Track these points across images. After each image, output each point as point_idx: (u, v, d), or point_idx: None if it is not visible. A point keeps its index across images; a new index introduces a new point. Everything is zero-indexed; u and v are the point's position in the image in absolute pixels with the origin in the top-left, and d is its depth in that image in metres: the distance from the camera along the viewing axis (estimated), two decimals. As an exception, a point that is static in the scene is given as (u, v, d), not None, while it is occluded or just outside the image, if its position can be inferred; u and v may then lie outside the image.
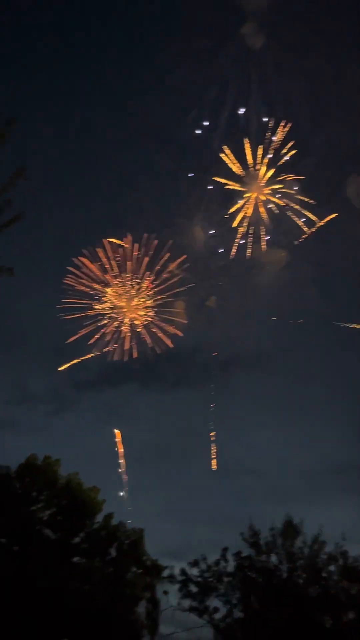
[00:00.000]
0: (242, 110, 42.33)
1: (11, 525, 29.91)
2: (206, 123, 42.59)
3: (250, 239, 44.04)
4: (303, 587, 30.81)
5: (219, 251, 46.57)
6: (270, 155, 41.44)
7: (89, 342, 49.15)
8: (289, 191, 41.22)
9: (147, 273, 47.80)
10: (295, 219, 42.02)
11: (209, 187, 43.57)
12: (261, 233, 43.51)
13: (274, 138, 41.23)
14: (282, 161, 41.65)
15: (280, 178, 41.81)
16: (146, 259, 47.44)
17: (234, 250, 43.43)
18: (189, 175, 45.53)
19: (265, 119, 41.82)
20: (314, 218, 41.42)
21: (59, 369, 43.85)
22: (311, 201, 40.98)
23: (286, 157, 41.49)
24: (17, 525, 29.84)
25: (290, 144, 42.02)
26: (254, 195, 41.64)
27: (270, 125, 41.82)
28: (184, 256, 45.94)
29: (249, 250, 43.75)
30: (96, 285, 47.96)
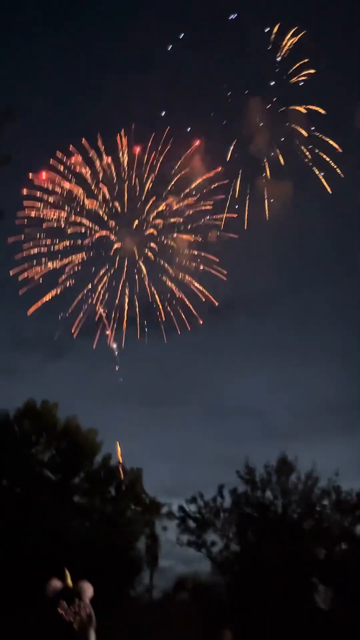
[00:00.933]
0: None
1: (12, 468, 30.65)
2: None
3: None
4: (297, 521, 31.80)
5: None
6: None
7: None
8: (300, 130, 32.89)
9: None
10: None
11: None
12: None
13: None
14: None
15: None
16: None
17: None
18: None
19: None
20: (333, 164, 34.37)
21: (28, 312, 34.46)
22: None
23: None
24: (18, 468, 30.58)
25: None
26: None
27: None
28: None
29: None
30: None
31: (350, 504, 31.74)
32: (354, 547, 30.78)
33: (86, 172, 33.51)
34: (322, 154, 32.59)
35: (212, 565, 32.56)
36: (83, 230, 33.78)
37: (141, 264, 34.48)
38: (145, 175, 33.68)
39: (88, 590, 3.21)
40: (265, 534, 31.07)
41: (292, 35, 32.67)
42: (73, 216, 33.46)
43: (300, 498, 32.06)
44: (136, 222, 34.46)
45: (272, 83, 32.65)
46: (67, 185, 33.50)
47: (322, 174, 32.79)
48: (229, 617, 27.48)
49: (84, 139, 33.48)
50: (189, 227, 34.22)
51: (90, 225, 33.72)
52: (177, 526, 32.97)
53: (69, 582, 3.29)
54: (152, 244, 34.41)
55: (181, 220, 34.10)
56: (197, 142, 33.51)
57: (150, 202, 33.64)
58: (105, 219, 33.92)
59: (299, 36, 32.69)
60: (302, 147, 32.81)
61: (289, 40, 32.65)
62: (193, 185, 33.69)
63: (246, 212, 33.54)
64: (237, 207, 33.47)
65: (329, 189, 33.07)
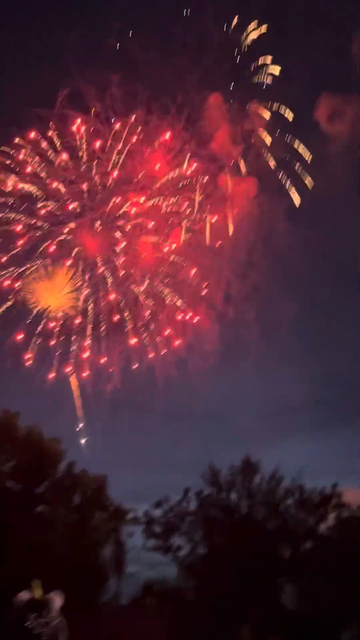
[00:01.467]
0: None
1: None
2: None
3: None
4: (262, 521, 32.07)
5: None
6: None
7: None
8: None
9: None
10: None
11: None
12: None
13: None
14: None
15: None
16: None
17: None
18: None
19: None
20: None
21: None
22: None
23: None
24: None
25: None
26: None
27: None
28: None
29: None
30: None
31: (314, 502, 32.14)
32: (319, 545, 31.15)
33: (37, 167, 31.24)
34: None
35: (179, 569, 32.60)
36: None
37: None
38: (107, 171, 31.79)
39: (57, 600, 3.23)
40: (231, 536, 31.24)
41: (253, 30, 31.29)
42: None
43: (265, 498, 32.34)
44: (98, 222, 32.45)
45: (232, 83, 31.72)
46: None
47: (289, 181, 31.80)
48: (197, 620, 27.64)
49: (34, 131, 31.16)
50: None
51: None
52: (142, 531, 32.94)
53: (38, 593, 3.30)
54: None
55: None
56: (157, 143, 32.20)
57: (112, 201, 32.02)
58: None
59: (260, 31, 31.24)
60: (265, 151, 32.06)
61: (249, 34, 31.26)
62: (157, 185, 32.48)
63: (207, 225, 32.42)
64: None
65: (296, 201, 32.30)
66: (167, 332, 33.54)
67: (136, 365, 33.99)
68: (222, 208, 32.47)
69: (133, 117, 30.83)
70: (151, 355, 33.62)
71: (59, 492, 31.92)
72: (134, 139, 31.32)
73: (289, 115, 31.34)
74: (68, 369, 33.30)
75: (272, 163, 31.89)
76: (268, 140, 31.73)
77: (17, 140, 30.88)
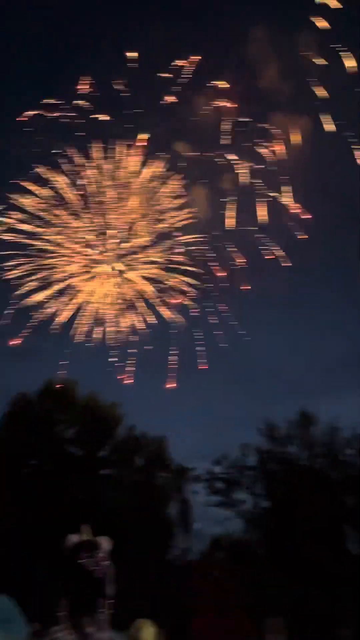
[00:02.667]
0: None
1: (39, 448, 31.21)
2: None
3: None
4: (323, 471, 32.19)
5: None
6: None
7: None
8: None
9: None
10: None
11: None
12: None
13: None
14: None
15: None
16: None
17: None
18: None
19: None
20: None
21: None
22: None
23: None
24: (45, 447, 31.14)
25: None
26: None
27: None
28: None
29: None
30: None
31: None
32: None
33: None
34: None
35: (243, 523, 33.14)
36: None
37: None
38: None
39: (105, 543, 3.39)
40: (292, 488, 31.49)
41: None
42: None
43: (324, 449, 32.42)
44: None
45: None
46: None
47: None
48: (265, 572, 28.16)
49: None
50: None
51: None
52: (205, 488, 33.52)
53: (87, 536, 3.46)
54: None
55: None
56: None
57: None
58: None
59: None
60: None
61: None
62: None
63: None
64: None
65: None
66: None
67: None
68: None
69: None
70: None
71: (121, 455, 32.67)
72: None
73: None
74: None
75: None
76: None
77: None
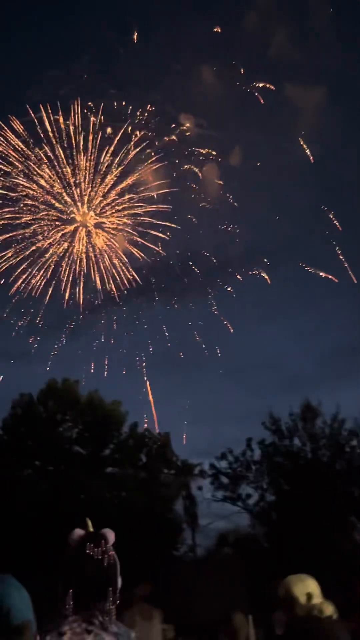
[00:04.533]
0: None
1: (43, 448, 31.14)
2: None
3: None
4: (328, 463, 32.12)
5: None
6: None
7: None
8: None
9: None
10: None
11: None
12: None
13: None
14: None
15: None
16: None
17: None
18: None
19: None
20: None
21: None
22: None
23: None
24: (48, 447, 31.06)
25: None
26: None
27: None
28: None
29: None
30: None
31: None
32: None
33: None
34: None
35: (250, 517, 33.09)
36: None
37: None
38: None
39: (110, 535, 3.36)
40: (298, 480, 31.44)
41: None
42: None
43: (329, 441, 32.34)
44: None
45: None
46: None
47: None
48: (273, 566, 28.08)
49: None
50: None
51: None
52: (210, 484, 33.50)
53: (91, 529, 3.43)
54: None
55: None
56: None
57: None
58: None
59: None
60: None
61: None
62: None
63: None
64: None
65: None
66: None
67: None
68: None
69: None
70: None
71: (125, 453, 32.62)
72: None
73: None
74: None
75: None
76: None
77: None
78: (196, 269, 31.92)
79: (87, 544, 3.31)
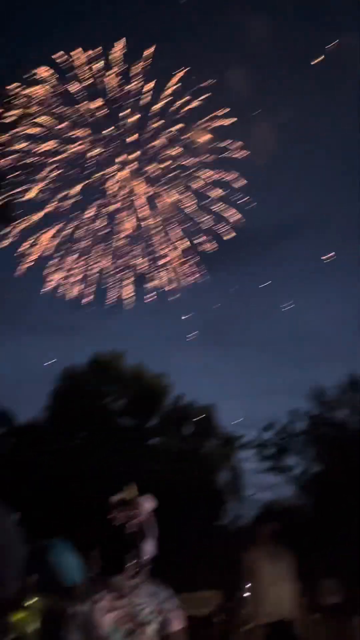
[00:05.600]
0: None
1: (88, 420, 31.69)
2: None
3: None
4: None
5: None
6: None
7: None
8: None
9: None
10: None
11: None
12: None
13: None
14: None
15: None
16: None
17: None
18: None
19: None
20: None
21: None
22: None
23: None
24: (94, 419, 31.61)
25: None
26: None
27: None
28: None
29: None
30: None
31: None
32: None
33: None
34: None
35: (294, 489, 33.17)
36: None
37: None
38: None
39: (145, 502, 3.42)
40: (343, 452, 31.34)
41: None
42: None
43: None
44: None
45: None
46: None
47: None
48: (316, 537, 28.20)
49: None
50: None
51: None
52: (254, 455, 33.62)
53: (130, 495, 3.50)
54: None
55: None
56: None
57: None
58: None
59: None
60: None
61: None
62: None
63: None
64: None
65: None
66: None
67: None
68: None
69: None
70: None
71: (169, 425, 32.96)
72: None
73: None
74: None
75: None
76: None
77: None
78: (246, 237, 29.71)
79: (115, 509, 3.41)
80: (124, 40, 25.25)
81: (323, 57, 24.70)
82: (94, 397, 32.58)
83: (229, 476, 33.36)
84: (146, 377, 33.71)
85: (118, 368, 33.80)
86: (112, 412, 33.04)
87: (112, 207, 27.77)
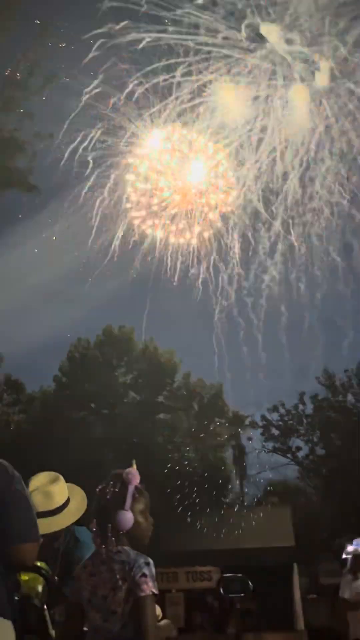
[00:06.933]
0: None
1: (98, 392, 31.86)
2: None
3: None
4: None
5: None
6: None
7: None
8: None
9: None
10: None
11: None
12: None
13: None
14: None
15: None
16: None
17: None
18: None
19: None
20: None
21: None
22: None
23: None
24: (103, 391, 31.77)
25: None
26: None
27: None
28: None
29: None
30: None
31: None
32: None
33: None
34: None
35: (299, 470, 33.33)
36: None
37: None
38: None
39: (127, 476, 3.56)
40: (349, 436, 31.42)
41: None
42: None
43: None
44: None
45: None
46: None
47: None
48: (319, 517, 28.38)
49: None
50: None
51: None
52: (261, 434, 33.78)
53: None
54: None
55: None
56: None
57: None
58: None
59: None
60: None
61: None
62: None
63: None
64: None
65: None
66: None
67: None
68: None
69: None
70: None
71: (177, 401, 33.06)
72: None
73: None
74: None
75: None
76: None
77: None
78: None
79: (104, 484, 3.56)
80: None
81: None
82: (103, 370, 32.69)
83: (235, 454, 33.52)
84: (156, 352, 33.74)
85: (128, 342, 33.83)
86: (121, 385, 33.14)
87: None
